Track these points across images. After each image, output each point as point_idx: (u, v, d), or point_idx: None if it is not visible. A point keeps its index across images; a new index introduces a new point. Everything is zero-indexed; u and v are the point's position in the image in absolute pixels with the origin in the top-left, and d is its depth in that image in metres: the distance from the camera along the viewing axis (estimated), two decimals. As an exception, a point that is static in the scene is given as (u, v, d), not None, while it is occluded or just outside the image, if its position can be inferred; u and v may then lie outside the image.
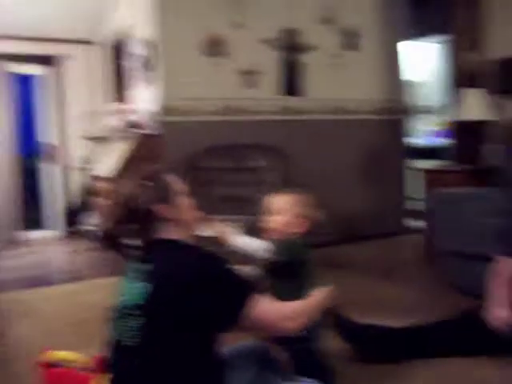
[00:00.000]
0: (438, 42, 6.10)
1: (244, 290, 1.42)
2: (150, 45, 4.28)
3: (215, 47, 4.29)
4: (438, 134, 6.11)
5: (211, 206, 3.44)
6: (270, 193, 1.95)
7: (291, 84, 4.60)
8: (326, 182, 4.49)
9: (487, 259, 2.54)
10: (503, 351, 2.15)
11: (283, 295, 1.61)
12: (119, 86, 5.38)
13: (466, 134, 4.15)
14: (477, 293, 2.59)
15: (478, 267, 2.77)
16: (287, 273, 1.82)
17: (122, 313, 1.39)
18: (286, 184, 3.53)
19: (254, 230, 1.96)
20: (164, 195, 1.46)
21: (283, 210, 1.89)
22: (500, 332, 2.11)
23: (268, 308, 1.45)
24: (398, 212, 5.13)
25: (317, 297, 1.65)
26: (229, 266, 1.44)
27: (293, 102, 4.61)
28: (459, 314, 2.34)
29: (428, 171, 4.17)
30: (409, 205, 5.15)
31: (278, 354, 1.77)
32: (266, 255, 1.87)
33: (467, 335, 2.23)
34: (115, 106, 5.26)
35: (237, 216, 3.22)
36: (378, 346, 2.24)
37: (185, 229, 1.52)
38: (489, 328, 2.15)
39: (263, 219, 1.93)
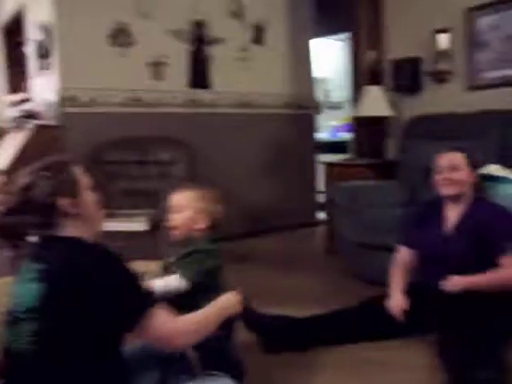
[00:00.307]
0: (342, 40, 6.32)
1: (143, 300, 1.37)
2: (45, 29, 4.04)
3: (121, 36, 4.15)
4: (341, 129, 6.35)
5: (115, 201, 3.35)
6: (173, 188, 1.91)
7: (199, 77, 4.56)
8: (234, 176, 4.51)
9: (387, 249, 2.68)
10: (402, 335, 2.26)
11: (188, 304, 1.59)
12: (15, 74, 5.06)
13: (367, 129, 4.33)
14: (378, 281, 2.73)
15: (378, 257, 2.91)
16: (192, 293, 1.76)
17: (15, 317, 1.30)
18: (192, 178, 3.50)
19: (158, 225, 1.91)
20: (67, 188, 1.37)
21: (184, 207, 1.85)
22: (398, 318, 2.23)
23: (164, 323, 1.39)
24: (309, 205, 5.26)
25: (220, 305, 1.61)
26: (131, 270, 1.38)
27: (200, 94, 4.58)
28: (361, 302, 2.44)
29: (329, 165, 4.31)
30: (320, 198, 5.30)
31: (187, 352, 1.74)
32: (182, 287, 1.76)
33: (369, 322, 2.34)
34: (10, 95, 4.94)
35: (141, 210, 3.15)
36: (284, 336, 2.28)
37: (89, 226, 1.44)
38: (388, 314, 2.27)
39: (166, 217, 1.89)
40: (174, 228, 1.86)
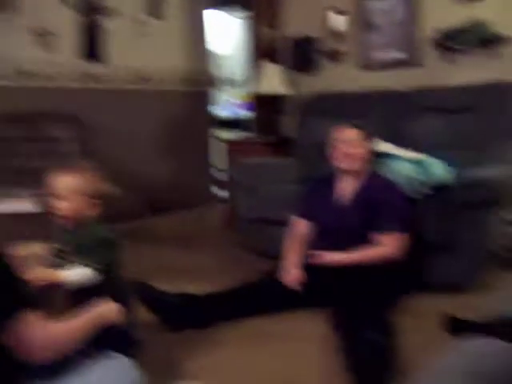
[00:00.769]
0: (241, 17, 6.30)
1: (16, 302, 1.26)
2: None
3: (3, 1, 3.83)
4: (240, 106, 6.37)
5: (2, 180, 3.13)
6: (60, 170, 1.70)
7: (92, 49, 4.34)
8: (129, 154, 4.37)
9: (284, 224, 2.74)
10: (300, 308, 2.34)
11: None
12: None
13: (265, 106, 4.38)
14: (276, 255, 2.79)
15: (276, 232, 2.97)
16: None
17: None
18: (85, 156, 3.35)
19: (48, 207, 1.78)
20: None
21: (71, 194, 1.65)
22: (294, 289, 2.29)
23: (33, 329, 1.27)
24: (204, 182, 5.24)
25: (98, 313, 1.48)
26: (9, 266, 1.28)
27: (93, 68, 4.36)
28: (259, 276, 2.48)
29: (230, 142, 4.31)
30: (215, 175, 5.29)
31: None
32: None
33: (267, 296, 2.39)
34: None
35: (31, 190, 2.97)
36: (184, 313, 2.27)
37: None
38: (286, 287, 2.33)
39: (50, 203, 1.69)
40: (62, 216, 1.69)
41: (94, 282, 1.64)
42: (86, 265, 1.63)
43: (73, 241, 1.70)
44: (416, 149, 2.82)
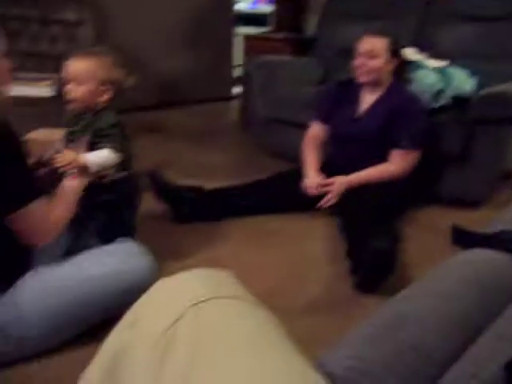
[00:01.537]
0: None
1: (26, 190, 1.32)
2: None
3: None
4: (262, 0, 6.08)
5: (16, 62, 3.07)
6: (74, 53, 1.70)
7: None
8: (147, 43, 4.24)
9: (299, 125, 2.71)
10: (309, 209, 2.38)
11: None
12: None
13: (288, 1, 4.17)
14: (288, 157, 2.79)
15: (290, 133, 2.96)
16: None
17: None
18: (100, 41, 3.26)
19: (62, 92, 1.76)
20: None
21: (85, 78, 1.66)
22: (310, 193, 2.31)
23: (41, 217, 1.36)
24: (224, 79, 5.13)
25: (69, 189, 1.55)
26: (22, 153, 1.30)
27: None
28: (271, 175, 2.50)
29: (247, 37, 4.16)
30: (236, 72, 5.17)
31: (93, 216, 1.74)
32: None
33: (277, 195, 2.42)
34: None
35: (46, 74, 2.93)
36: (194, 206, 2.32)
37: None
38: (297, 188, 2.35)
39: (64, 87, 1.70)
40: (74, 100, 1.70)
41: (114, 164, 1.68)
42: (106, 147, 1.66)
43: (88, 126, 1.71)
44: (441, 56, 2.71)
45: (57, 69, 3.08)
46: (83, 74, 1.66)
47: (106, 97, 1.71)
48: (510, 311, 0.91)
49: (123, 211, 1.80)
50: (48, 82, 2.90)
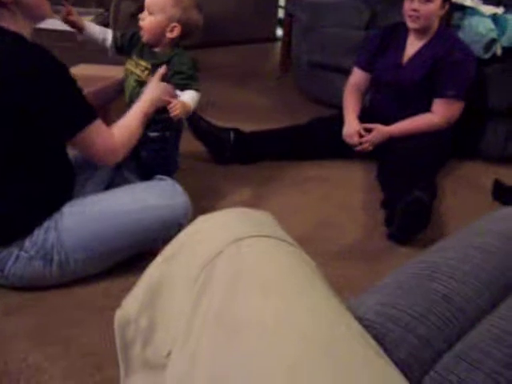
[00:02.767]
0: None
1: (85, 113, 1.36)
2: None
3: None
4: None
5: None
6: None
7: None
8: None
9: (342, 71, 2.65)
10: (347, 156, 2.36)
11: None
12: None
13: None
14: (330, 102, 2.74)
15: (332, 78, 2.90)
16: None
17: None
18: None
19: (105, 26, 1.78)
20: None
21: (155, 9, 1.68)
22: (349, 140, 2.28)
23: (104, 138, 1.41)
24: (268, 19, 5.00)
25: (146, 101, 1.60)
26: (74, 80, 1.34)
27: None
28: (311, 120, 2.47)
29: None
30: (280, 12, 5.02)
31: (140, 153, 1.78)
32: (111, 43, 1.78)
33: (316, 140, 2.40)
34: None
35: (90, 9, 2.92)
36: (233, 148, 2.33)
37: (27, 17, 1.33)
38: (336, 134, 2.32)
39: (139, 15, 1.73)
40: (142, 29, 1.72)
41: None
42: (191, 89, 1.70)
43: (163, 63, 1.73)
44: (498, 3, 2.57)
45: (100, 4, 3.07)
46: (157, 5, 1.68)
47: (173, 34, 1.71)
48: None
49: (165, 149, 1.83)
50: (90, 17, 2.89)
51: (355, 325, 0.59)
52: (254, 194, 2.12)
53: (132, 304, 0.78)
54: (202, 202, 1.89)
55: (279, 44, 4.56)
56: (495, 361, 0.62)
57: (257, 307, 0.56)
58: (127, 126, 1.52)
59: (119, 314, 0.79)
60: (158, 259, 0.77)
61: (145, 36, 1.73)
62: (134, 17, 1.89)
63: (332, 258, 1.73)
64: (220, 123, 2.38)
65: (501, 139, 2.46)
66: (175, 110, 1.58)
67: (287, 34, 3.69)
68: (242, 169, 2.31)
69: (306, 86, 3.22)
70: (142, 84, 1.73)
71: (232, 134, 2.33)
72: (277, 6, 5.01)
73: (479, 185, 2.23)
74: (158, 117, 1.68)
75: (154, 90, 1.62)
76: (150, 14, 1.69)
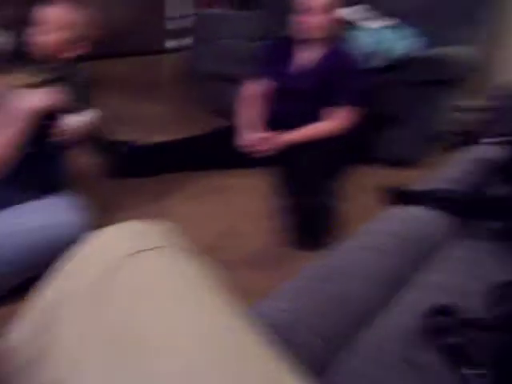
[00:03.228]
0: None
1: None
2: None
3: None
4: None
5: None
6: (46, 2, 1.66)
7: None
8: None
9: (238, 81, 2.68)
10: (247, 165, 2.38)
11: None
12: None
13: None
14: (227, 113, 2.76)
15: (230, 88, 2.92)
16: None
17: None
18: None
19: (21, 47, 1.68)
20: None
21: (63, 26, 1.63)
22: (246, 150, 2.31)
23: None
24: (158, 31, 4.96)
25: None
26: None
27: None
28: (209, 130, 2.47)
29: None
30: (171, 24, 5.00)
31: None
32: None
33: (215, 150, 2.40)
34: None
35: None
36: (131, 161, 2.27)
37: None
38: (235, 145, 2.34)
39: (33, 31, 1.65)
40: (46, 46, 1.65)
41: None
42: (90, 106, 1.69)
43: (62, 77, 1.65)
44: (385, 16, 2.73)
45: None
46: (60, 21, 1.64)
47: (80, 50, 1.68)
48: (433, 263, 0.96)
49: (50, 165, 1.74)
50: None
51: (255, 332, 0.60)
52: (155, 206, 2.09)
53: (25, 327, 0.74)
54: (101, 218, 1.82)
55: (171, 55, 4.54)
56: (388, 353, 0.66)
57: (156, 321, 0.55)
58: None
59: (3, 344, 0.73)
60: (51, 278, 0.73)
61: (39, 51, 1.66)
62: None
63: (236, 266, 1.74)
64: (116, 136, 2.31)
65: (394, 144, 2.61)
66: (60, 135, 1.51)
67: (185, 44, 3.68)
68: (141, 182, 2.26)
69: (203, 97, 3.23)
70: None
71: (128, 147, 2.27)
72: (165, 18, 4.98)
73: (374, 188, 2.34)
74: (39, 133, 1.61)
75: (28, 106, 1.49)
76: (52, 30, 1.64)
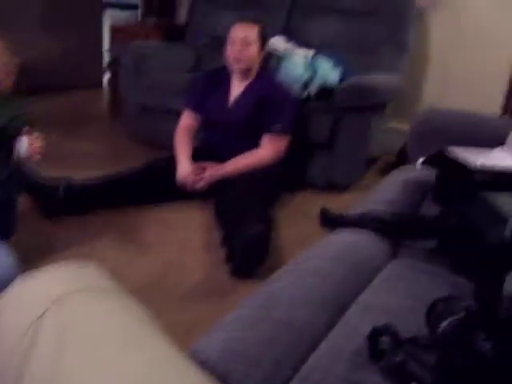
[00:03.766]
0: None
1: None
2: None
3: None
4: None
5: None
6: None
7: None
8: (7, 25, 3.90)
9: (172, 113, 2.67)
10: (184, 198, 2.35)
11: None
12: None
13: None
14: (162, 145, 2.74)
15: (163, 121, 2.91)
16: None
17: None
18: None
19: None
20: None
21: None
22: (186, 183, 2.28)
23: None
24: (93, 65, 4.88)
25: None
26: None
27: None
28: (144, 164, 2.43)
29: (115, 27, 3.99)
30: (105, 58, 4.93)
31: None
32: None
33: (151, 184, 2.36)
34: None
35: None
36: (63, 199, 2.19)
37: None
38: (173, 176, 2.31)
39: None
40: None
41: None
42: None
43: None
44: (309, 47, 2.82)
45: None
46: None
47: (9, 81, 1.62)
48: (373, 285, 0.98)
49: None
50: None
51: (195, 373, 0.58)
52: (89, 245, 2.00)
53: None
54: (32, 260, 1.74)
55: (105, 90, 4.49)
56: (335, 377, 0.65)
57: (84, 364, 0.53)
58: None
59: None
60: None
61: None
62: None
63: (178, 300, 1.70)
64: (48, 173, 2.23)
65: (324, 170, 2.67)
66: None
67: (115, 78, 3.63)
68: (74, 220, 2.17)
69: (137, 130, 3.18)
70: None
71: (62, 185, 2.19)
72: (102, 52, 4.93)
73: (311, 213, 2.37)
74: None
75: None
76: None
